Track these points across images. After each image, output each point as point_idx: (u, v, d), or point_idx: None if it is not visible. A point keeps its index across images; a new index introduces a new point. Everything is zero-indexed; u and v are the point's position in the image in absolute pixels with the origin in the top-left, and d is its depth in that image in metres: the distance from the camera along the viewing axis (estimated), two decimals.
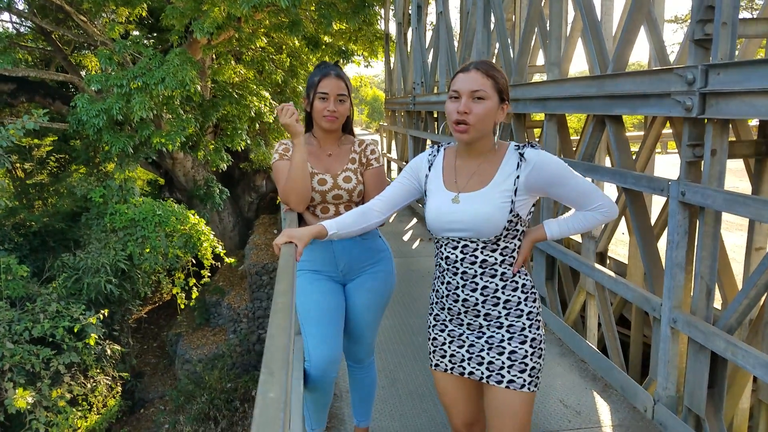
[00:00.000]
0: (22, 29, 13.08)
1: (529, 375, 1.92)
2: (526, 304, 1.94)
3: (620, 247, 6.46)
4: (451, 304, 1.98)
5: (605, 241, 4.36)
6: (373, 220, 2.10)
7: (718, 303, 4.25)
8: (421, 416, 3.41)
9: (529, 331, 1.93)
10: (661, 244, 3.62)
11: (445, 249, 1.95)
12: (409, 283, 5.80)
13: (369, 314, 2.61)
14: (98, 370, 8.86)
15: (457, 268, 1.93)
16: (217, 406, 8.91)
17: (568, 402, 3.57)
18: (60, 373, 7.84)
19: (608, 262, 5.44)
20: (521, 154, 1.88)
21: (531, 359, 1.92)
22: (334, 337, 2.43)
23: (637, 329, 5.12)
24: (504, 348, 1.92)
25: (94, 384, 8.88)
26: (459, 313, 1.97)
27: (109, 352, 8.97)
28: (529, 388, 1.92)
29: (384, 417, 3.40)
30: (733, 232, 7.26)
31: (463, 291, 1.93)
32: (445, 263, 1.96)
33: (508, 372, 1.91)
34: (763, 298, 3.31)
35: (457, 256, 1.92)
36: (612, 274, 3.84)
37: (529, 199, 1.90)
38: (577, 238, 6.02)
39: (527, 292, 1.95)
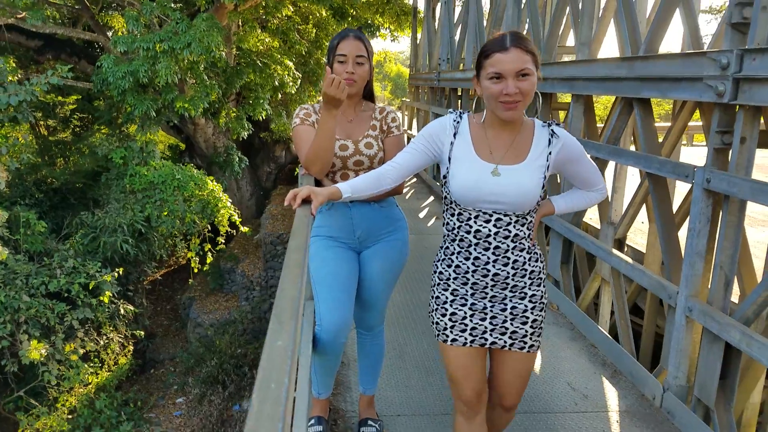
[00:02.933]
0: None
1: (540, 336, 2.07)
2: (543, 272, 2.04)
3: (638, 236, 6.38)
4: (478, 279, 1.96)
5: (624, 227, 4.29)
6: (386, 186, 2.04)
7: (735, 297, 4.18)
8: (426, 390, 3.41)
9: (545, 298, 2.06)
10: (682, 234, 3.56)
11: (475, 222, 1.91)
12: (422, 260, 5.79)
13: (382, 282, 2.60)
14: (111, 328, 9.01)
15: (489, 243, 1.91)
16: (226, 370, 9.02)
17: (576, 385, 3.55)
18: (73, 329, 7.99)
19: (626, 249, 5.38)
20: (552, 131, 1.93)
21: (543, 323, 2.07)
22: (346, 303, 2.43)
23: (650, 319, 5.06)
24: (527, 317, 2.01)
25: (107, 341, 9.03)
26: (485, 287, 1.97)
27: (122, 311, 9.11)
28: (539, 347, 2.10)
29: (390, 388, 3.41)
30: (756, 227, 7.13)
31: (494, 266, 1.93)
32: (474, 237, 1.92)
33: (530, 338, 2.03)
34: None
35: (490, 230, 1.90)
36: (629, 260, 3.79)
37: (550, 175, 1.96)
38: (596, 224, 5.96)
39: (542, 261, 2.05)
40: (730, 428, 2.95)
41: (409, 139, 12.62)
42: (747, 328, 2.73)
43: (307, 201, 1.91)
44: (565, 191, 2.23)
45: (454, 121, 1.98)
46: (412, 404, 3.26)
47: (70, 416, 8.23)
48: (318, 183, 2.51)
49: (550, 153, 1.91)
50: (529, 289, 1.99)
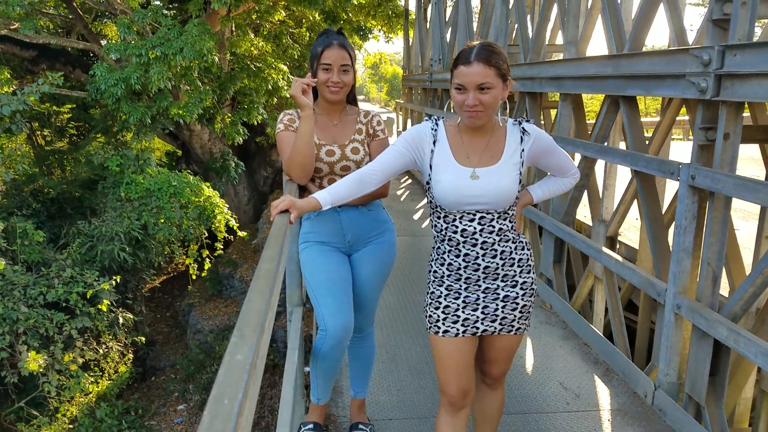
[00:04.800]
0: None
1: (528, 318, 2.19)
2: (531, 259, 2.16)
3: (633, 232, 6.38)
4: (470, 274, 2.06)
5: (616, 225, 4.30)
6: (370, 188, 2.09)
7: (726, 291, 4.19)
8: (418, 393, 3.42)
9: (535, 284, 2.17)
10: (671, 232, 3.56)
11: (461, 222, 2.01)
12: (415, 262, 5.79)
13: (372, 284, 2.64)
14: (110, 337, 9.01)
15: (477, 239, 2.02)
16: None
17: (568, 385, 3.55)
18: (72, 338, 7.98)
19: (619, 246, 5.38)
20: (523, 129, 2.04)
21: (532, 307, 2.19)
22: (347, 306, 2.45)
23: (644, 316, 5.06)
24: (518, 303, 2.12)
25: (107, 350, 9.03)
26: (478, 280, 2.07)
27: (121, 319, 9.10)
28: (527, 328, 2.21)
29: (382, 391, 3.42)
30: (749, 221, 7.12)
31: (483, 259, 2.04)
32: (462, 236, 2.02)
33: (518, 322, 2.15)
34: None
35: (475, 228, 2.01)
36: (619, 258, 3.79)
37: (525, 169, 2.07)
38: (588, 221, 5.96)
39: (529, 249, 2.16)
40: (722, 425, 2.95)
41: None
42: (734, 325, 2.73)
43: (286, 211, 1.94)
44: (540, 180, 2.34)
45: (432, 129, 2.05)
46: (404, 407, 3.26)
47: (71, 426, 8.22)
48: (302, 188, 2.53)
49: (523, 150, 2.02)
50: (520, 276, 2.11)
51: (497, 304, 2.09)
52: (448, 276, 2.09)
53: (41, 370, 7.19)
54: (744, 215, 7.45)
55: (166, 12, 11.14)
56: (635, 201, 4.84)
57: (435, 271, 2.15)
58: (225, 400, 0.85)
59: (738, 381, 3.52)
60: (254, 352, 1.02)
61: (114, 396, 9.10)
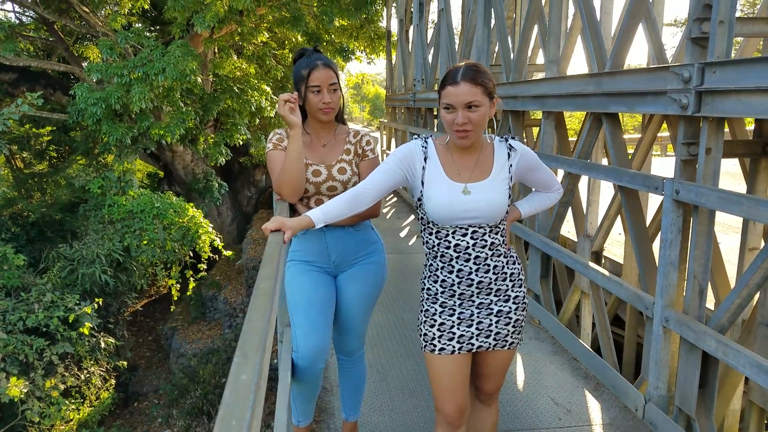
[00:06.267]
0: (24, 19, 13.07)
1: (520, 333, 2.21)
2: (522, 274, 2.19)
3: (616, 247, 6.45)
4: (464, 289, 2.07)
5: (600, 240, 4.34)
6: (364, 206, 2.08)
7: (711, 304, 4.24)
8: (412, 413, 3.39)
9: (526, 298, 2.19)
10: (656, 245, 3.61)
11: (453, 237, 2.03)
12: (404, 280, 5.79)
13: (360, 306, 2.59)
14: (92, 362, 8.85)
15: (470, 254, 2.04)
16: (210, 401, 8.89)
17: (559, 400, 3.55)
18: (53, 364, 7.83)
19: (603, 261, 5.43)
20: (510, 146, 2.09)
21: (524, 321, 2.20)
22: (322, 328, 2.41)
23: (631, 329, 5.10)
24: (511, 318, 2.14)
25: (88, 376, 8.86)
26: (472, 295, 2.09)
27: (103, 344, 8.96)
28: (519, 342, 2.23)
29: (374, 412, 3.39)
30: (730, 234, 7.24)
31: (477, 274, 2.06)
32: (454, 251, 2.04)
33: (511, 337, 2.17)
34: (756, 298, 3.30)
35: (468, 243, 2.03)
36: (606, 272, 3.82)
37: (513, 184, 2.13)
38: (573, 237, 6.01)
39: (519, 263, 2.20)
40: None
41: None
42: (722, 336, 2.76)
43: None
44: (526, 196, 2.41)
45: (422, 146, 2.07)
46: (397, 428, 3.23)
47: None
48: (292, 207, 2.52)
49: (511, 165, 2.07)
50: (512, 291, 2.13)
51: (491, 320, 2.10)
52: (442, 293, 2.10)
53: (22, 397, 7.03)
54: (724, 228, 7.57)
55: (149, 34, 11.16)
56: (619, 216, 4.91)
57: (428, 289, 2.15)
58: (233, 420, 0.85)
59: (726, 392, 3.55)
60: (258, 371, 1.01)
61: (96, 423, 8.92)
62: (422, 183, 2.04)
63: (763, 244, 3.90)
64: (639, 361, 4.31)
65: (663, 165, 10.69)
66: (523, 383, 3.78)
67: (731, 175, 9.13)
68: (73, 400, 8.54)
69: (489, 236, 2.04)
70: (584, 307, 4.52)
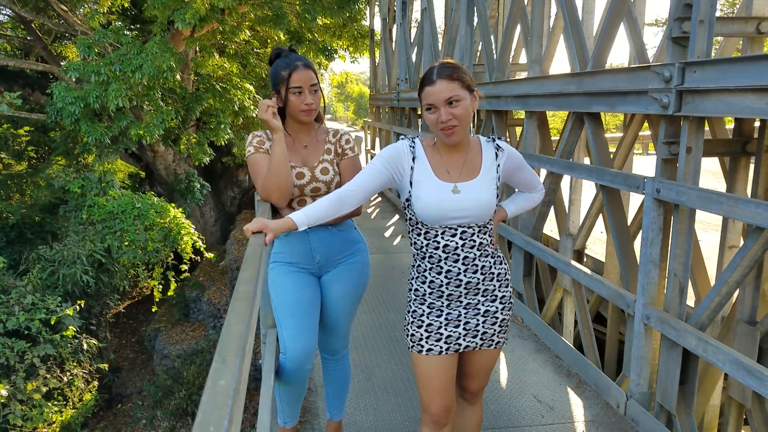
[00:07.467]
0: (0, 17, 12.87)
1: (506, 332, 2.23)
2: (508, 273, 2.20)
3: (598, 245, 6.50)
4: (452, 290, 2.08)
5: (582, 238, 4.37)
6: (349, 209, 2.05)
7: (692, 301, 4.29)
8: (395, 412, 3.39)
9: (512, 298, 2.22)
10: (638, 243, 3.64)
11: (442, 238, 2.03)
12: (389, 280, 5.79)
13: (344, 305, 2.59)
14: (75, 364, 8.74)
15: (458, 254, 2.04)
16: (195, 401, 8.83)
17: (542, 397, 3.57)
18: (35, 366, 7.73)
19: (585, 260, 5.47)
20: (498, 146, 2.11)
21: (510, 320, 2.26)
22: (309, 329, 2.40)
23: (613, 327, 5.14)
24: (497, 318, 2.15)
25: (71, 378, 8.76)
26: (460, 296, 2.09)
27: (85, 346, 8.85)
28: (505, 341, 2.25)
29: (358, 411, 3.38)
30: (709, 232, 7.33)
31: (465, 275, 2.06)
32: (443, 251, 2.04)
33: (498, 336, 2.18)
34: (735, 296, 3.34)
35: (457, 243, 2.03)
36: (587, 270, 3.85)
37: (501, 184, 2.14)
38: (556, 235, 6.04)
39: (506, 263, 2.21)
40: None
41: (371, 158, 12.69)
42: (702, 333, 2.79)
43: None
44: (510, 196, 2.44)
45: (410, 146, 2.06)
46: (382, 427, 3.23)
47: None
48: (275, 209, 2.50)
49: (498, 165, 2.08)
50: (499, 291, 2.14)
51: (478, 320, 2.11)
52: (430, 294, 2.10)
53: (3, 400, 6.93)
54: (704, 226, 7.66)
55: (128, 32, 11.04)
56: (600, 215, 4.94)
57: (416, 290, 2.14)
58: (210, 427, 0.83)
59: (706, 389, 3.59)
60: (237, 377, 1.00)
61: (79, 425, 8.81)
62: (411, 183, 2.03)
63: (742, 242, 3.95)
64: (621, 359, 4.35)
65: (644, 163, 10.81)
66: (506, 381, 3.79)
67: (711, 173, 9.24)
68: (55, 403, 8.42)
69: (477, 236, 2.04)
70: (566, 305, 4.55)
